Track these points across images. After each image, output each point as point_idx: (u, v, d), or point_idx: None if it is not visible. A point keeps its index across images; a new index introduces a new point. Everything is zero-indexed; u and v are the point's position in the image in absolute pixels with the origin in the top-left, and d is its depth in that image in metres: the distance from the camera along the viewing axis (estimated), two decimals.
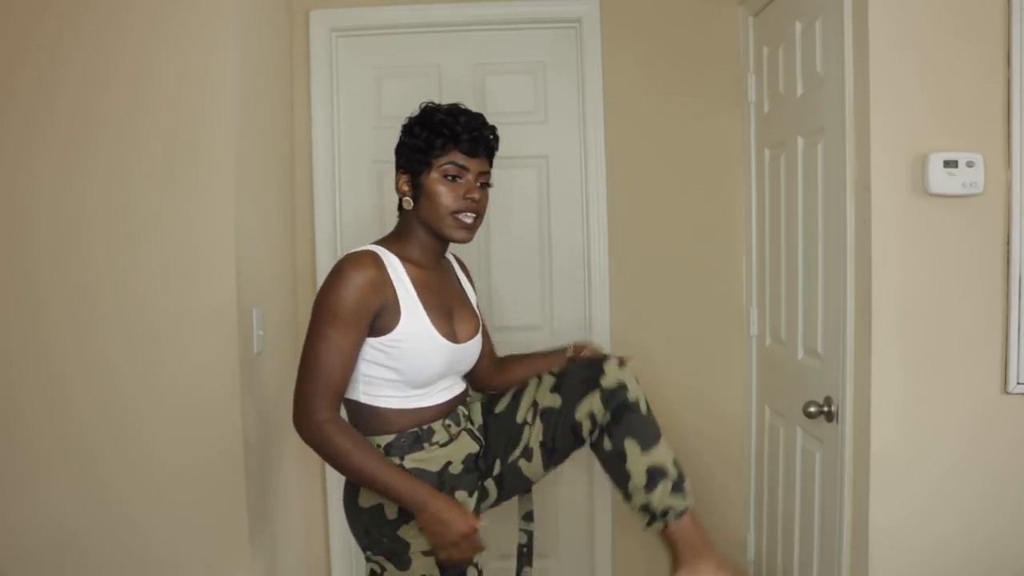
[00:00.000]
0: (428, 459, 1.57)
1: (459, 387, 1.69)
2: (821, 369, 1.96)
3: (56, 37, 1.87)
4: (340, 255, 2.56)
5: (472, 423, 1.69)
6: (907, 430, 1.69)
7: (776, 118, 2.29)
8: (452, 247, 1.71)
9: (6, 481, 1.92)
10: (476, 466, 1.65)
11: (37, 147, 1.89)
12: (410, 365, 1.55)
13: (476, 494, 1.64)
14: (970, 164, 1.63)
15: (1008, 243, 1.66)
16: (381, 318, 1.53)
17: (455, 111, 1.61)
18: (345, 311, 1.49)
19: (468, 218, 1.59)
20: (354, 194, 2.60)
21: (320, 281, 2.57)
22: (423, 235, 1.62)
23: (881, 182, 1.67)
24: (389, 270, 1.56)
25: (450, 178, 1.58)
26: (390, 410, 1.57)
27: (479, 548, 1.52)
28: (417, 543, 1.53)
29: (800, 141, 2.08)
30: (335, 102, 2.57)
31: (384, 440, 1.56)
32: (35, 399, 1.91)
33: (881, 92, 1.66)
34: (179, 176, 1.88)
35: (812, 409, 1.90)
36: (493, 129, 1.64)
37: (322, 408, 1.49)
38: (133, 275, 1.89)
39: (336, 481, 2.60)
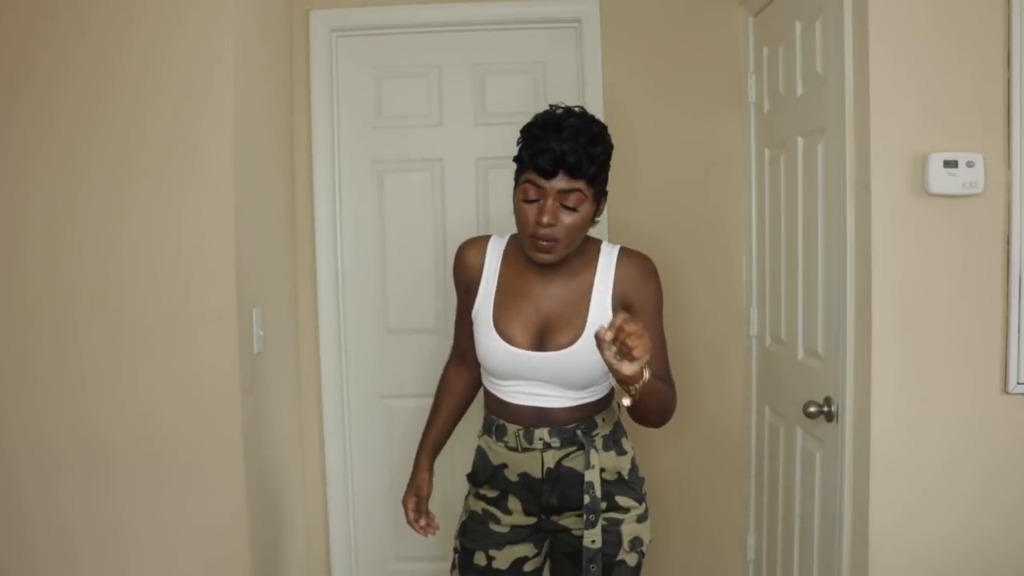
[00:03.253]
0: (493, 449, 1.69)
1: (550, 400, 1.62)
2: (821, 369, 1.96)
3: (59, 39, 1.87)
4: (340, 256, 2.61)
5: (545, 458, 1.64)
6: (907, 430, 1.69)
7: (776, 118, 2.29)
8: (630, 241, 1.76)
9: (6, 481, 1.92)
10: (529, 489, 1.66)
11: (39, 148, 1.89)
12: (478, 346, 1.65)
13: (500, 499, 1.71)
14: (970, 164, 1.63)
15: (1008, 243, 1.66)
16: (468, 295, 1.68)
17: (548, 123, 1.53)
18: (454, 280, 1.75)
19: (542, 242, 1.54)
20: (354, 194, 2.60)
21: (320, 281, 2.59)
22: None
23: (881, 182, 1.67)
24: (489, 254, 1.67)
25: (528, 200, 1.54)
26: (485, 386, 1.74)
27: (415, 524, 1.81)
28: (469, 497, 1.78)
29: (800, 141, 2.08)
30: (335, 102, 2.57)
31: (485, 412, 1.73)
32: (35, 399, 1.91)
33: (881, 92, 1.66)
34: (179, 176, 1.88)
35: (812, 409, 1.90)
36: (581, 135, 1.50)
37: (451, 354, 1.86)
38: (133, 275, 1.89)
39: (336, 481, 2.61)
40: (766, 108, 2.37)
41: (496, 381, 1.68)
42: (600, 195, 1.59)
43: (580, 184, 1.52)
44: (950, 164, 1.63)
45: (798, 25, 2.07)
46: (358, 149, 2.59)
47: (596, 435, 1.65)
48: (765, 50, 2.34)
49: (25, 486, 1.92)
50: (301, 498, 2.53)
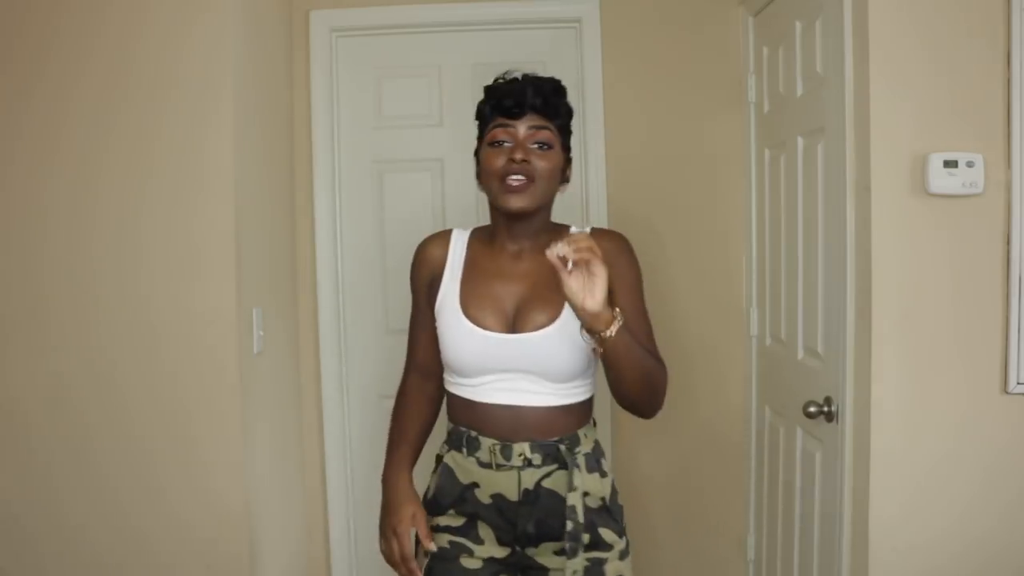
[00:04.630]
0: (462, 465, 1.51)
1: (529, 396, 1.46)
2: (821, 369, 1.96)
3: (71, 42, 1.88)
4: (340, 256, 2.60)
5: (523, 478, 1.47)
6: (907, 430, 1.69)
7: (776, 118, 2.29)
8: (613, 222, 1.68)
9: (6, 481, 1.92)
10: (503, 514, 1.49)
11: (46, 151, 1.89)
12: (444, 344, 1.50)
13: (469, 527, 1.52)
14: (970, 164, 1.63)
15: (1008, 243, 1.66)
16: (431, 290, 1.55)
17: (508, 76, 1.53)
18: (411, 283, 1.61)
19: (515, 180, 1.43)
20: (354, 194, 2.60)
21: (320, 281, 2.59)
22: (493, 214, 1.54)
23: (881, 182, 1.67)
24: (452, 245, 1.57)
25: (497, 144, 1.46)
26: (450, 393, 1.56)
27: (393, 558, 1.51)
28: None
29: (800, 141, 2.08)
30: (335, 102, 2.57)
31: (450, 426, 1.57)
32: (36, 398, 1.91)
33: (881, 92, 1.66)
34: (179, 176, 1.88)
35: (812, 409, 1.90)
36: (546, 84, 1.49)
37: (406, 370, 1.65)
38: (133, 275, 1.89)
39: (336, 481, 2.61)
40: (766, 108, 2.37)
41: (465, 382, 1.50)
42: (567, 154, 1.52)
43: (549, 124, 1.47)
44: (950, 164, 1.63)
45: (798, 25, 2.07)
46: (358, 149, 2.59)
47: (579, 452, 1.48)
48: (765, 50, 2.34)
49: (24, 485, 1.92)
50: (301, 498, 2.53)
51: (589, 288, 1.24)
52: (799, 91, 2.09)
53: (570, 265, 1.23)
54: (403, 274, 2.63)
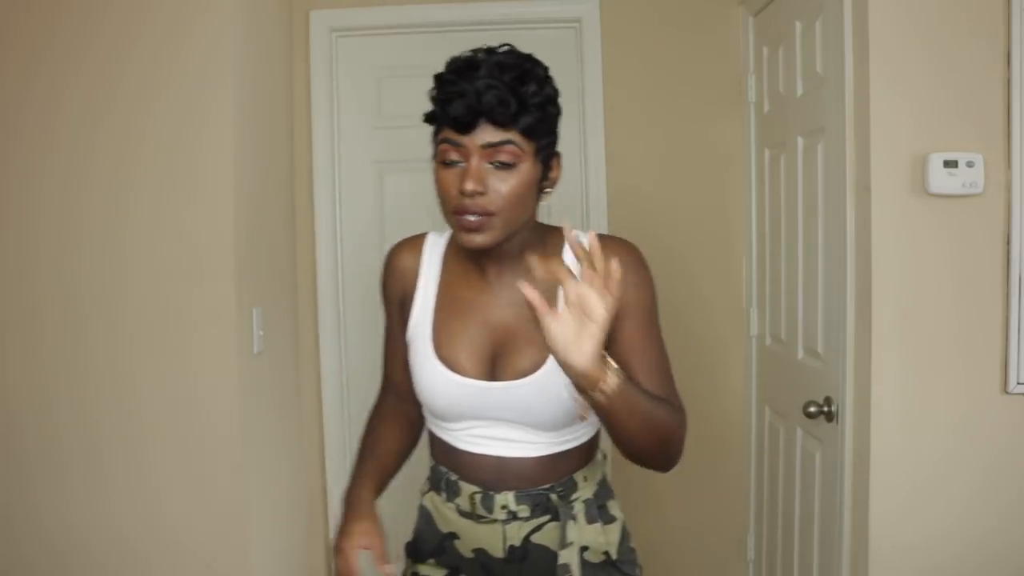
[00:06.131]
0: (441, 511, 1.31)
1: (515, 447, 1.23)
2: (821, 369, 1.96)
3: (68, 40, 1.87)
4: (340, 256, 2.60)
5: (508, 533, 1.25)
6: (907, 430, 1.69)
7: (776, 118, 2.29)
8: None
9: (6, 482, 1.92)
10: (487, 571, 1.29)
11: (45, 149, 1.89)
12: (416, 382, 1.26)
13: None
14: (970, 164, 1.63)
15: (1008, 243, 1.66)
16: (403, 311, 1.29)
17: (462, 64, 1.15)
18: (381, 293, 1.35)
19: (470, 219, 1.14)
20: (354, 194, 2.60)
21: (320, 281, 2.59)
22: None
23: (881, 182, 1.67)
24: (425, 256, 1.30)
25: (448, 163, 1.15)
26: (431, 429, 1.34)
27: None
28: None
29: (800, 141, 2.08)
30: (335, 102, 2.57)
31: (432, 462, 1.34)
32: (34, 399, 1.91)
33: (881, 92, 1.66)
34: (179, 176, 1.88)
35: (812, 409, 1.90)
36: (508, 73, 1.11)
37: (382, 389, 1.42)
38: (133, 275, 1.89)
39: (336, 481, 2.61)
40: (766, 108, 2.37)
41: (443, 425, 1.28)
42: (546, 155, 1.17)
43: (511, 135, 1.12)
44: (950, 164, 1.63)
45: (798, 25, 2.07)
46: (358, 149, 2.59)
47: (576, 500, 1.25)
48: (765, 50, 2.34)
49: (24, 485, 1.92)
50: (301, 498, 2.53)
51: (578, 337, 0.94)
52: (799, 91, 2.09)
53: (560, 301, 0.96)
54: None
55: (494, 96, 1.10)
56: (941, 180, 1.63)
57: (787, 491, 2.22)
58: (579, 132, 2.55)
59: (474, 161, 1.13)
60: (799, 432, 2.12)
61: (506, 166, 1.13)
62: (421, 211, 2.58)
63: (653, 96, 2.53)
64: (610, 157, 2.54)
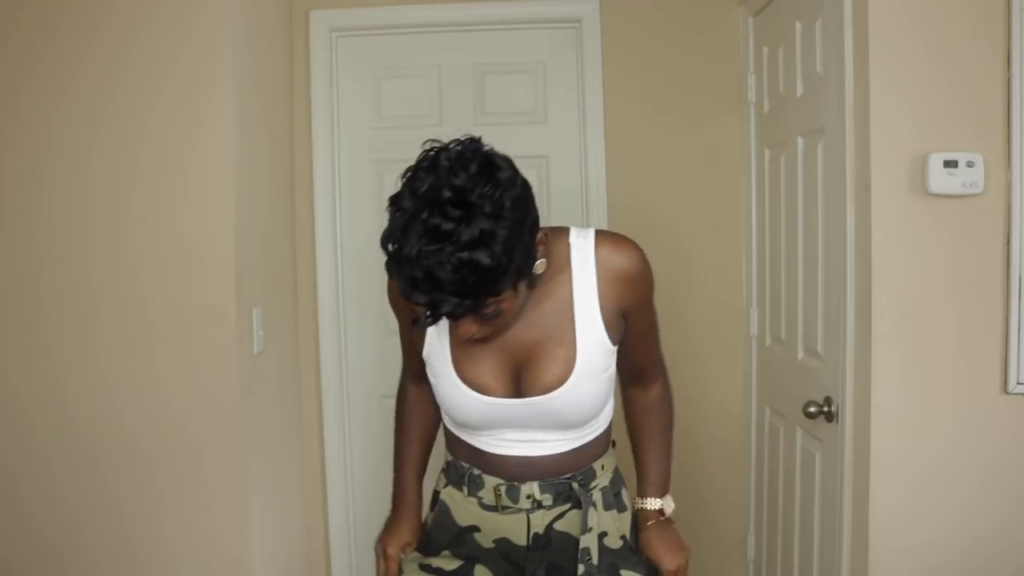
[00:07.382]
0: (461, 504, 1.33)
1: (541, 447, 1.28)
2: (821, 369, 1.96)
3: (68, 39, 1.87)
4: (340, 256, 2.60)
5: (532, 521, 1.30)
6: (907, 430, 1.69)
7: (776, 118, 2.29)
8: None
9: (5, 480, 1.92)
10: (509, 560, 1.33)
11: (45, 147, 1.89)
12: (440, 398, 1.30)
13: (464, 571, 1.34)
14: (970, 164, 1.63)
15: (1008, 243, 1.66)
16: (418, 324, 1.20)
17: (397, 249, 1.15)
18: (390, 302, 1.37)
19: (478, 340, 1.18)
20: (354, 194, 2.60)
21: (320, 281, 2.59)
22: None
23: (881, 182, 1.67)
24: None
25: None
26: (447, 427, 1.38)
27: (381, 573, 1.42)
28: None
29: (800, 141, 2.08)
30: (335, 102, 2.57)
31: (449, 457, 1.38)
32: (35, 398, 1.91)
33: (881, 92, 1.66)
34: (179, 176, 1.88)
35: (812, 409, 1.90)
36: (464, 283, 1.04)
37: (403, 374, 1.48)
38: (133, 275, 1.89)
39: (336, 481, 2.61)
40: (766, 108, 2.37)
41: (467, 431, 1.32)
42: (523, 269, 1.11)
43: (489, 305, 1.09)
44: (950, 164, 1.63)
45: (798, 25, 2.07)
46: (358, 149, 2.59)
47: (594, 487, 1.32)
48: (765, 50, 2.34)
49: (24, 485, 1.92)
50: (301, 498, 2.53)
51: None
52: (799, 91, 2.09)
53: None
54: None
55: (451, 308, 1.05)
56: (941, 180, 1.63)
57: (787, 491, 2.22)
58: (579, 132, 2.55)
59: (467, 322, 1.13)
60: (799, 432, 2.12)
61: (494, 314, 1.11)
62: None
63: (653, 96, 2.53)
64: (610, 157, 2.54)
